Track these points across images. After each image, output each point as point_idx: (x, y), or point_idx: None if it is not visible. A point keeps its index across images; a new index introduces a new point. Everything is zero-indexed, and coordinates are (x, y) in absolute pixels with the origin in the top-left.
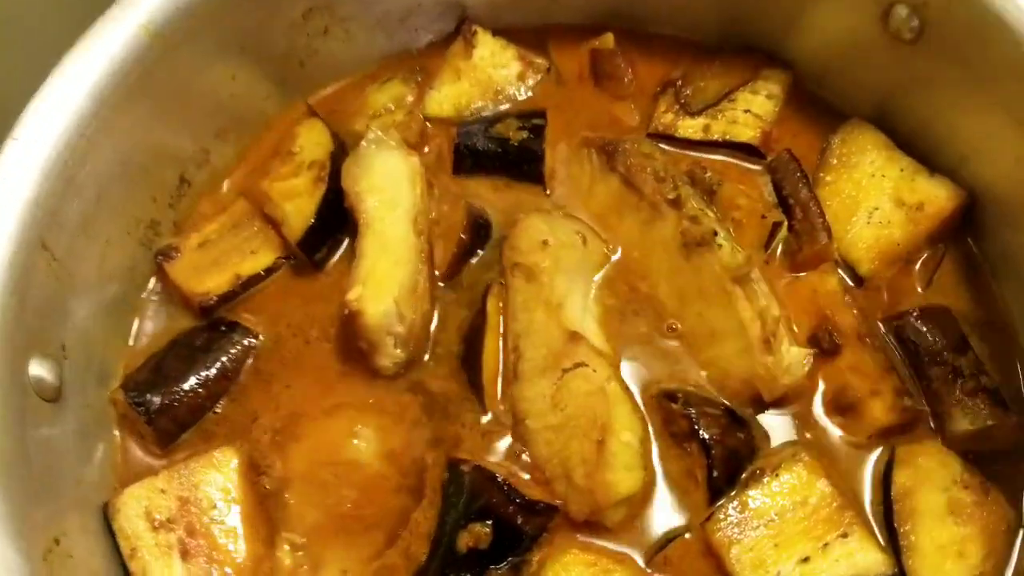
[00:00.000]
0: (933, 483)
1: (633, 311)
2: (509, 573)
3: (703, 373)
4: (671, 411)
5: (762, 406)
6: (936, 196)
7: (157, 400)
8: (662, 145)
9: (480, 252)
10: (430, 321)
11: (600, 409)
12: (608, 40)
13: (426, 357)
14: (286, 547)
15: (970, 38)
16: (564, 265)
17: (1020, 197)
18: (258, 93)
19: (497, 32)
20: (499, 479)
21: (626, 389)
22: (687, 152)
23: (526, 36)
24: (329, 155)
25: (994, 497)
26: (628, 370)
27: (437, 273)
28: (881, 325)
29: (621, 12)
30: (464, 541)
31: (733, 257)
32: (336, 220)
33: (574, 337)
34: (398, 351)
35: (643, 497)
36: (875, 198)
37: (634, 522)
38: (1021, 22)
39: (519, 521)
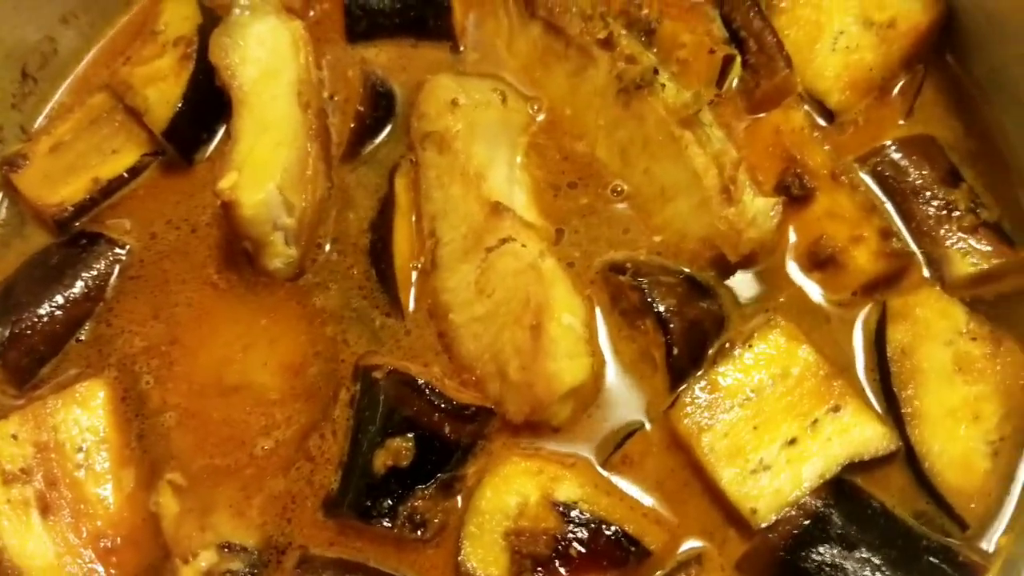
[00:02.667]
0: (935, 337)
1: (569, 183)
2: (439, 493)
3: (656, 239)
4: (619, 285)
5: (727, 268)
6: (909, 10)
7: (6, 332)
8: None
9: (387, 129)
10: (326, 209)
11: (533, 289)
12: None
13: (327, 249)
14: (169, 490)
15: None
16: (481, 129)
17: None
18: None
19: None
20: (420, 382)
21: (563, 265)
22: None
23: None
24: (196, 28)
25: (1008, 347)
26: (569, 245)
27: (335, 154)
28: (857, 165)
29: None
30: (381, 460)
31: (679, 96)
32: (209, 105)
33: (497, 209)
34: (290, 248)
35: (592, 388)
36: (839, 20)
37: (584, 419)
38: None
39: (447, 431)
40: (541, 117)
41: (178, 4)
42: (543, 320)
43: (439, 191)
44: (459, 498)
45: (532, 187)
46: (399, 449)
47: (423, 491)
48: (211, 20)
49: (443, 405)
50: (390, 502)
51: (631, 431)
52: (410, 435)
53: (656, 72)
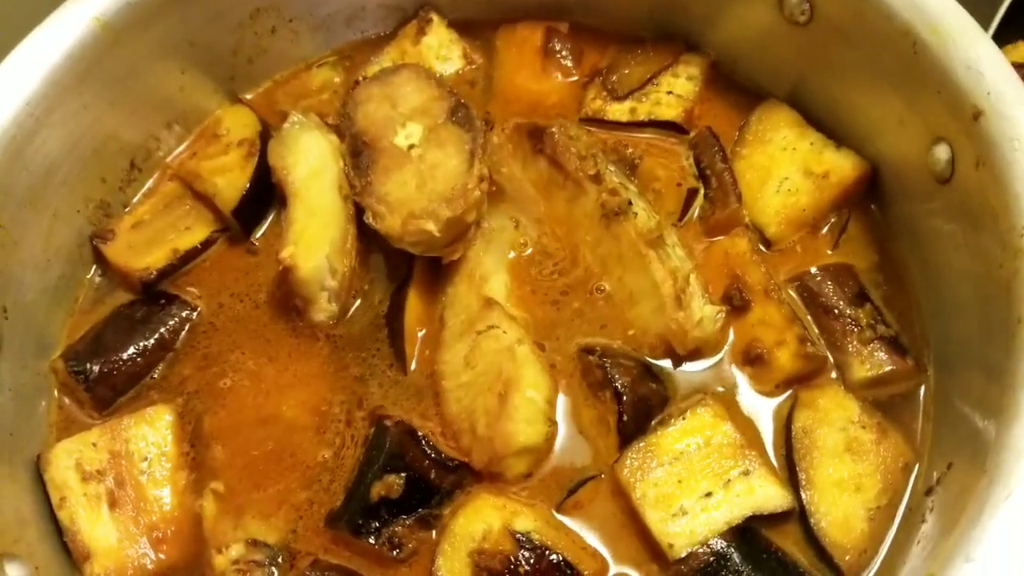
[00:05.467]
0: (831, 423)
1: (560, 271)
2: (417, 524)
3: (629, 332)
4: (588, 363)
5: (678, 360)
6: (840, 166)
7: (96, 369)
8: (594, 129)
9: None
10: (357, 277)
11: (507, 366)
12: (563, 25)
13: (355, 307)
14: (211, 496)
15: (851, 16)
16: (494, 245)
17: (910, 171)
18: (206, 87)
19: (450, 23)
20: (420, 435)
21: (537, 352)
22: (619, 134)
23: (475, 27)
24: (258, 134)
25: (892, 437)
26: (561, 333)
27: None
28: (787, 284)
29: (560, 6)
30: (376, 490)
31: (647, 223)
32: (265, 193)
33: (489, 303)
34: (332, 305)
35: (546, 451)
36: (785, 169)
37: (539, 476)
38: None
39: (432, 476)
40: (538, 240)
41: (237, 114)
42: (510, 391)
43: (451, 287)
44: (433, 532)
45: (519, 290)
46: (392, 484)
47: (404, 520)
48: (265, 128)
49: (433, 456)
50: (377, 524)
51: (583, 481)
52: (403, 474)
53: (630, 203)
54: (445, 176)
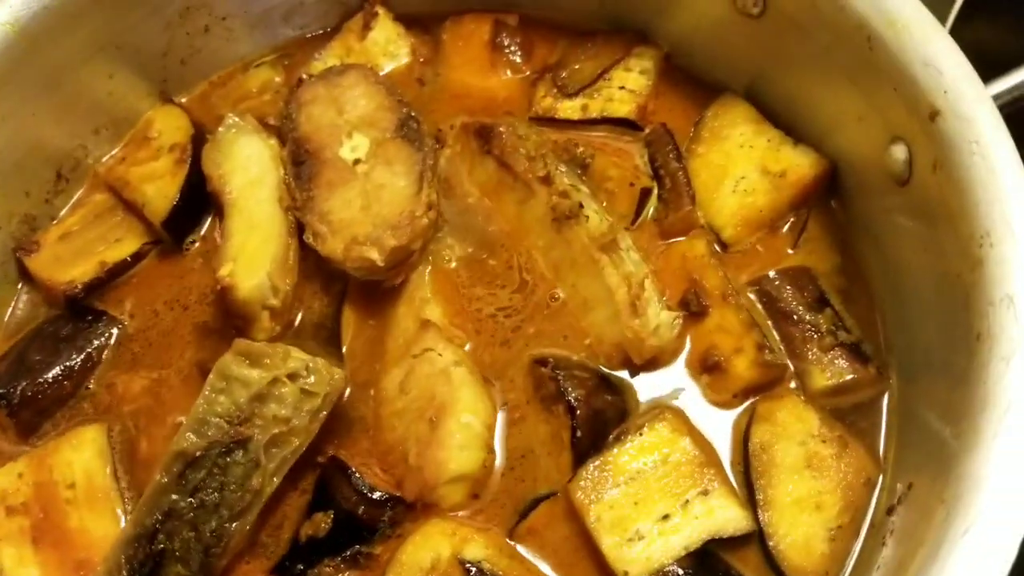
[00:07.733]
0: (790, 437)
1: (520, 286)
2: (346, 564)
3: (586, 341)
4: (540, 375)
5: (635, 369)
6: (799, 164)
7: (18, 392)
8: (546, 128)
9: None
10: (297, 294)
11: (440, 390)
12: (512, 17)
13: (296, 324)
14: None
15: (805, 8)
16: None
17: (869, 170)
18: (138, 91)
19: (397, 17)
20: (350, 470)
21: (477, 374)
22: (571, 132)
23: (423, 21)
24: (190, 138)
25: (853, 450)
26: (518, 344)
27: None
28: (747, 288)
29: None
30: (305, 530)
31: (599, 226)
32: (199, 204)
33: (425, 325)
34: (273, 324)
35: (484, 478)
36: (742, 167)
37: (491, 498)
38: None
39: (360, 512)
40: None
41: (169, 116)
42: (442, 416)
43: (391, 309)
44: (367, 573)
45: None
46: (319, 522)
47: (330, 561)
48: (199, 132)
49: (363, 491)
50: (301, 566)
51: (536, 501)
52: (331, 511)
53: (582, 206)
54: (392, 199)
